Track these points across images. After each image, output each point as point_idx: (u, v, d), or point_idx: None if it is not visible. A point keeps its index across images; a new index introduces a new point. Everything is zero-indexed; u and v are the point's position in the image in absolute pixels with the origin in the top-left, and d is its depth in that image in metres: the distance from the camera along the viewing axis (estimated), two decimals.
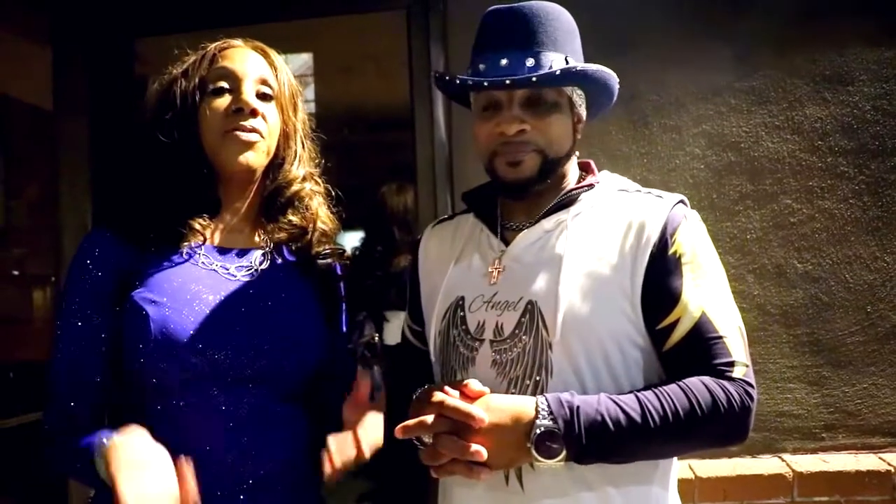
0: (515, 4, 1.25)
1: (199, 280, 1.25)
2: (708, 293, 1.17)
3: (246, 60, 1.31)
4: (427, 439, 1.12)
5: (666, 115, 2.29)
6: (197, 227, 1.27)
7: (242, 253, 1.33)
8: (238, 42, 1.35)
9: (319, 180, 1.43)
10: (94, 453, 1.11)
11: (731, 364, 1.13)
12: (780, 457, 2.22)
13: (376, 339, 2.83)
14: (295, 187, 1.36)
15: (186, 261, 1.26)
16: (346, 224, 1.47)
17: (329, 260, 1.40)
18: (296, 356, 1.27)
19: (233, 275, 1.29)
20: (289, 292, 1.32)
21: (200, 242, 1.28)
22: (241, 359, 1.21)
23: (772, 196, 2.26)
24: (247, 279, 1.29)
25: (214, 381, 1.20)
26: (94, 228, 1.32)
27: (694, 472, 2.13)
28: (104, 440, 1.08)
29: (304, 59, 3.05)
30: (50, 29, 2.39)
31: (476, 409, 1.07)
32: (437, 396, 1.11)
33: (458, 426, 1.08)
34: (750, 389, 1.13)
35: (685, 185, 2.22)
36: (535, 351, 1.17)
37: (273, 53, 1.36)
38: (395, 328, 2.87)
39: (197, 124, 1.28)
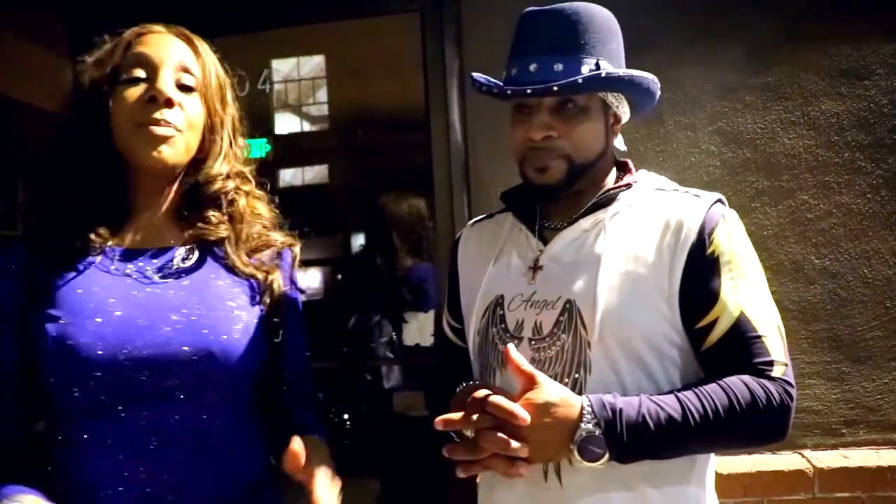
0: (550, 7, 1.24)
1: (107, 288, 1.13)
2: (746, 292, 1.17)
3: (165, 47, 1.19)
4: (468, 434, 1.12)
5: (681, 113, 2.29)
6: (103, 230, 1.16)
7: (161, 253, 1.21)
8: (159, 27, 1.23)
9: (250, 176, 1.31)
10: None
11: (771, 363, 1.14)
12: (800, 453, 2.22)
13: (394, 338, 2.84)
14: (217, 185, 1.23)
15: (92, 268, 1.15)
16: (359, 226, 1.45)
17: (264, 257, 1.27)
18: (222, 364, 1.14)
19: (148, 278, 1.17)
20: (213, 293, 1.19)
21: (110, 246, 1.17)
22: (154, 372, 1.09)
23: (788, 192, 2.26)
24: (164, 282, 1.17)
25: (128, 399, 1.09)
26: (7, 243, 1.20)
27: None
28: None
29: (317, 62, 3.06)
30: (69, 36, 2.41)
31: (519, 409, 1.07)
32: (482, 392, 1.12)
33: (501, 422, 1.09)
34: (790, 388, 1.13)
35: (701, 183, 2.21)
36: (574, 349, 1.18)
37: (198, 40, 1.24)
38: (413, 329, 2.89)
39: (108, 117, 1.16)
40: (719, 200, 1.25)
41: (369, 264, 3.00)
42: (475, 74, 1.30)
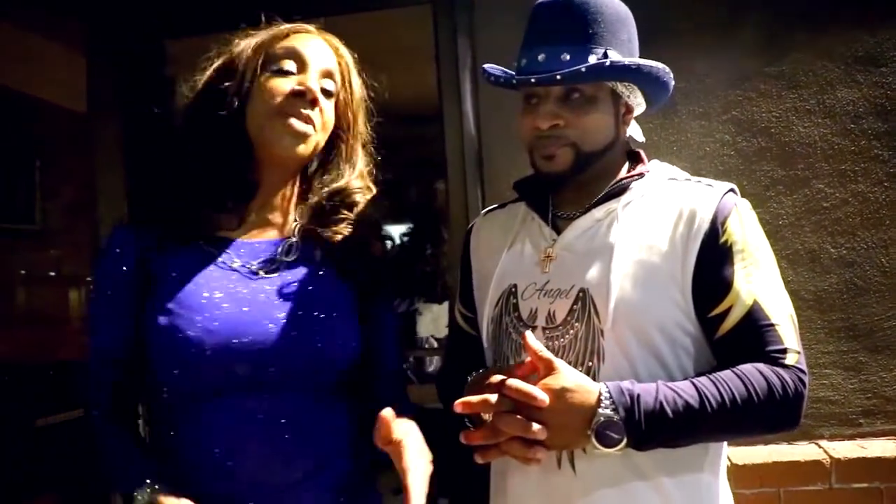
0: None
1: (216, 282, 1.20)
2: (760, 281, 1.18)
3: (315, 49, 1.25)
4: (486, 417, 1.13)
5: (695, 102, 2.27)
6: (221, 221, 1.24)
7: (269, 245, 1.27)
8: (312, 28, 1.30)
9: (369, 179, 1.37)
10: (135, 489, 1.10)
11: (784, 351, 1.15)
12: (817, 443, 2.21)
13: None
14: (340, 184, 1.31)
15: (206, 261, 1.21)
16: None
17: (364, 254, 1.34)
18: (321, 356, 1.21)
19: (254, 273, 1.23)
20: (316, 287, 1.26)
21: (223, 236, 1.24)
22: (256, 365, 1.16)
23: (804, 181, 2.24)
24: (268, 277, 1.23)
25: (228, 389, 1.15)
26: (117, 228, 1.27)
27: (730, 459, 2.12)
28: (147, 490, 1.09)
29: None
30: (83, 33, 2.43)
31: (538, 391, 1.08)
32: (499, 376, 1.13)
33: (519, 406, 1.09)
34: (803, 376, 1.14)
35: (715, 173, 2.20)
36: (587, 338, 1.19)
37: (342, 47, 1.31)
38: (427, 321, 2.90)
39: (246, 102, 1.23)
40: (732, 190, 1.25)
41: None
42: (486, 66, 1.31)
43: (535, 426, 1.08)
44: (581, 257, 1.24)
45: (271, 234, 1.29)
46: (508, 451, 1.11)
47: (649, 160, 1.36)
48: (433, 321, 2.86)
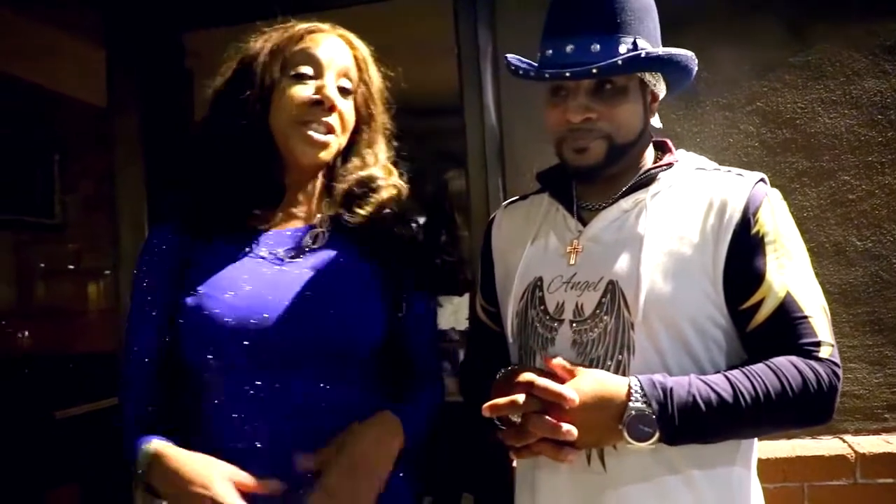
0: None
1: (243, 267, 1.24)
2: (792, 272, 1.16)
3: (331, 49, 1.27)
4: (515, 419, 1.12)
5: (718, 93, 2.24)
6: (255, 214, 1.27)
7: (296, 233, 1.30)
8: (326, 27, 1.31)
9: (393, 169, 1.38)
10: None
11: (818, 344, 1.13)
12: (841, 438, 2.18)
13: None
14: (363, 175, 1.33)
15: (235, 251, 1.25)
16: None
17: (396, 242, 1.35)
18: (339, 339, 1.22)
19: (280, 259, 1.26)
20: (339, 273, 1.28)
21: (255, 229, 1.27)
22: (278, 344, 1.18)
23: (829, 173, 2.21)
24: (293, 261, 1.26)
25: (253, 367, 1.19)
26: (156, 225, 1.34)
27: None
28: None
29: None
30: (103, 27, 2.43)
31: (567, 390, 1.07)
32: (527, 376, 1.11)
33: (548, 406, 1.08)
34: (837, 370, 1.13)
35: (739, 164, 2.14)
36: (617, 331, 1.17)
37: (358, 42, 1.32)
38: (447, 313, 2.89)
39: (269, 105, 1.25)
40: (762, 179, 1.23)
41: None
42: (510, 57, 1.28)
43: (565, 426, 1.06)
44: (609, 249, 1.22)
45: (298, 224, 1.32)
46: (540, 451, 1.10)
47: (676, 150, 1.34)
48: (454, 313, 2.85)
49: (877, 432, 2.20)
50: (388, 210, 1.34)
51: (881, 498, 2.07)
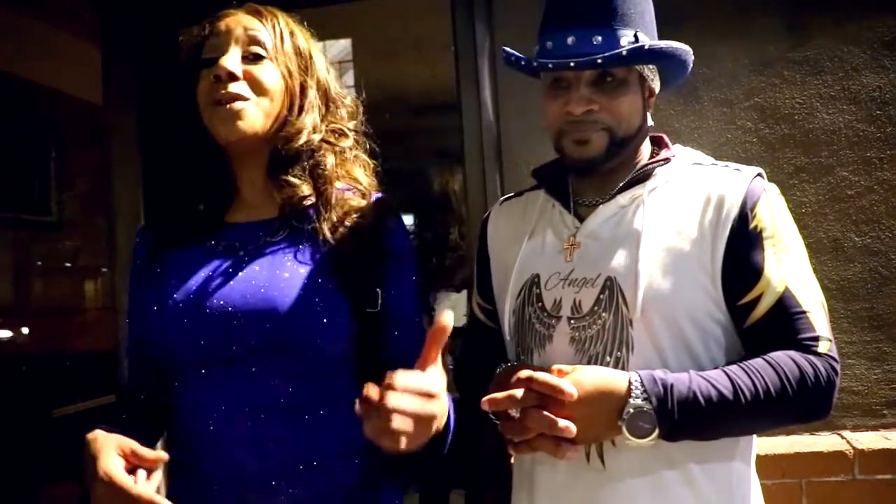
0: None
1: (199, 262, 1.24)
2: (790, 267, 1.15)
3: (233, 24, 1.23)
4: (514, 414, 1.11)
5: (717, 89, 2.24)
6: (213, 211, 1.29)
7: (261, 226, 1.26)
8: (231, 10, 1.28)
9: (351, 137, 1.32)
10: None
11: (816, 339, 1.13)
12: (839, 434, 2.18)
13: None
14: (298, 141, 1.24)
15: (195, 247, 1.26)
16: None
17: (359, 224, 1.26)
18: (296, 334, 1.17)
19: (235, 252, 1.24)
20: (291, 267, 1.21)
21: (220, 223, 1.28)
22: (230, 337, 1.16)
23: (828, 168, 2.20)
24: (247, 254, 1.23)
25: (215, 365, 1.17)
26: (139, 227, 1.39)
27: None
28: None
29: (343, 45, 3.04)
30: (99, 23, 2.42)
31: (566, 384, 1.06)
32: (525, 372, 1.11)
33: (547, 401, 1.07)
34: (835, 364, 1.12)
35: (737, 160, 2.13)
36: (616, 328, 1.16)
37: (268, 11, 1.27)
38: (445, 308, 2.86)
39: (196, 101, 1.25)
40: (759, 174, 1.22)
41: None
42: (508, 49, 1.27)
43: (563, 422, 1.06)
44: (607, 245, 1.21)
45: (262, 214, 1.28)
46: (538, 446, 1.10)
47: (672, 145, 1.33)
48: (451, 309, 2.84)
49: (875, 428, 2.20)
50: (342, 183, 1.28)
51: (880, 494, 2.07)
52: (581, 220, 1.26)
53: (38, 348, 3.57)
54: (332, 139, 1.29)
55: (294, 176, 1.25)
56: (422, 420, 0.96)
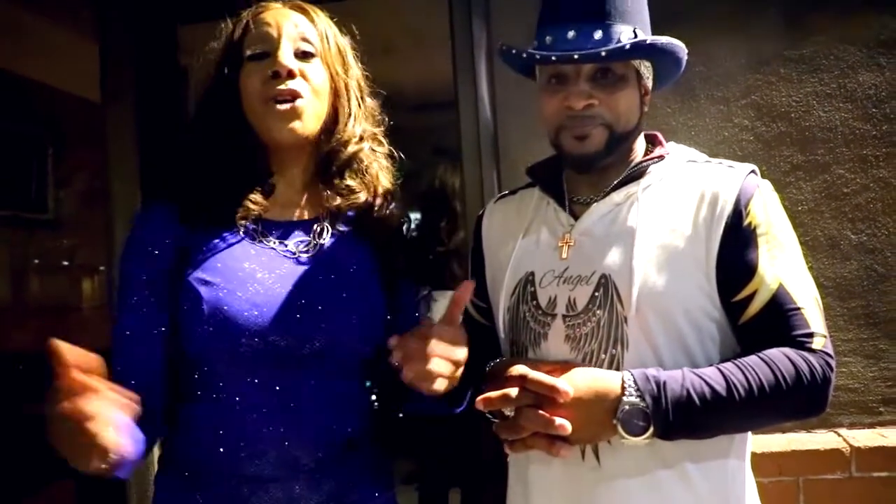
0: None
1: (254, 259, 1.20)
2: (784, 264, 1.15)
3: (281, 19, 1.22)
4: (508, 412, 1.12)
5: (713, 87, 2.24)
6: (251, 204, 1.21)
7: (300, 226, 1.27)
8: (274, 3, 1.26)
9: (383, 140, 1.35)
10: None
11: (811, 335, 1.12)
12: (836, 432, 2.19)
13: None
14: (351, 148, 1.27)
15: (242, 239, 1.21)
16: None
17: (391, 227, 1.33)
18: (357, 334, 1.21)
19: (291, 251, 1.23)
20: (348, 267, 1.26)
21: (256, 218, 1.23)
22: (297, 340, 1.17)
23: (824, 166, 2.21)
24: (304, 255, 1.24)
25: (271, 363, 1.16)
26: (148, 203, 1.26)
27: None
28: None
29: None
30: (96, 20, 2.42)
31: (561, 383, 1.07)
32: (519, 369, 1.11)
33: (541, 400, 1.07)
34: (830, 360, 1.12)
35: (734, 158, 2.10)
36: (610, 325, 1.16)
37: (313, 8, 1.27)
38: (442, 307, 2.86)
39: (239, 95, 1.22)
40: (753, 171, 1.22)
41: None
42: (506, 45, 1.27)
43: (558, 421, 1.06)
44: (601, 242, 1.21)
45: (302, 214, 1.29)
46: (533, 445, 1.10)
47: (667, 143, 1.34)
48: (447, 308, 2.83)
49: (872, 426, 2.20)
50: (381, 191, 1.31)
51: (876, 491, 2.07)
52: (576, 217, 1.27)
53: (35, 346, 3.56)
54: (374, 145, 1.32)
55: (350, 183, 1.27)
56: (453, 365, 1.08)
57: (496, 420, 1.15)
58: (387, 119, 1.38)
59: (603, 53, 1.14)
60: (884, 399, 2.20)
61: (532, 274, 1.27)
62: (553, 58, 1.17)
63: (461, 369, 1.10)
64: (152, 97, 2.43)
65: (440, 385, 1.07)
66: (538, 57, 1.20)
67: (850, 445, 2.09)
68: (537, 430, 1.08)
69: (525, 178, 1.42)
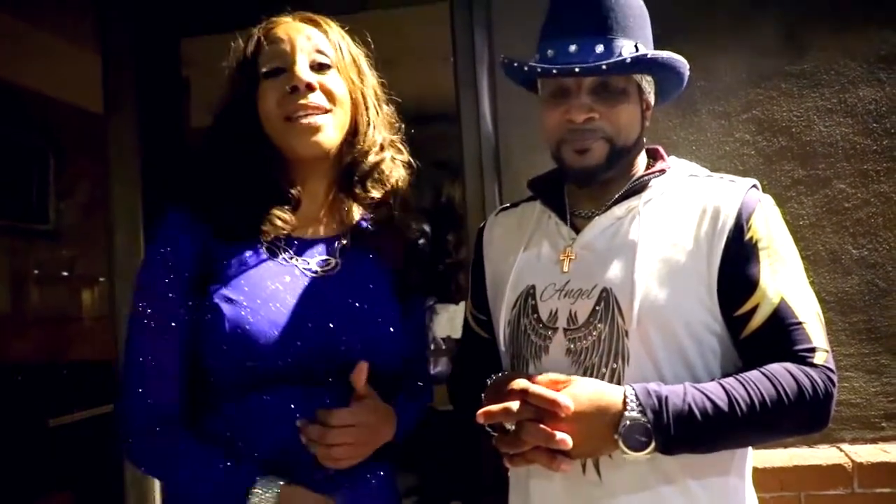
0: None
1: (277, 277, 1.19)
2: (786, 279, 1.15)
3: (295, 33, 1.21)
4: (509, 426, 1.11)
5: (714, 101, 2.24)
6: (278, 221, 1.20)
7: (322, 243, 1.26)
8: (284, 17, 1.26)
9: (402, 147, 1.34)
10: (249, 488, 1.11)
11: (813, 350, 1.12)
12: (838, 447, 2.17)
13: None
14: (372, 158, 1.27)
15: (266, 257, 1.20)
16: None
17: (409, 241, 1.33)
18: (379, 353, 1.21)
19: (313, 270, 1.23)
20: (368, 283, 1.25)
21: (281, 235, 1.22)
22: (319, 359, 1.16)
23: (825, 181, 2.21)
24: (326, 274, 1.23)
25: (292, 381, 1.15)
26: (172, 211, 1.23)
27: None
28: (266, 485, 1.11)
29: None
30: (98, 31, 2.43)
31: (562, 397, 1.06)
32: (520, 383, 1.10)
33: (542, 414, 1.07)
34: (832, 375, 1.11)
35: (735, 172, 2.15)
36: (611, 339, 1.16)
37: (323, 20, 1.26)
38: (443, 320, 2.88)
39: (257, 113, 1.21)
40: (754, 186, 1.23)
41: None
42: (508, 58, 1.27)
43: (559, 435, 1.05)
44: (602, 256, 1.21)
45: (324, 230, 1.28)
46: (534, 459, 1.09)
47: (668, 157, 1.34)
48: (449, 321, 2.85)
49: (874, 441, 2.19)
50: (399, 200, 1.32)
51: None
52: (577, 231, 1.26)
53: (34, 357, 3.56)
54: (394, 153, 1.31)
55: (374, 191, 1.27)
56: (359, 445, 1.16)
57: (497, 434, 1.14)
58: (403, 126, 1.38)
59: (604, 67, 1.15)
60: (886, 414, 2.19)
61: (533, 287, 1.26)
62: (554, 71, 1.18)
63: (374, 443, 1.21)
64: (154, 108, 2.44)
65: (343, 465, 1.15)
66: (540, 70, 1.20)
67: (853, 461, 2.08)
68: (538, 445, 1.07)
69: (526, 191, 1.42)
